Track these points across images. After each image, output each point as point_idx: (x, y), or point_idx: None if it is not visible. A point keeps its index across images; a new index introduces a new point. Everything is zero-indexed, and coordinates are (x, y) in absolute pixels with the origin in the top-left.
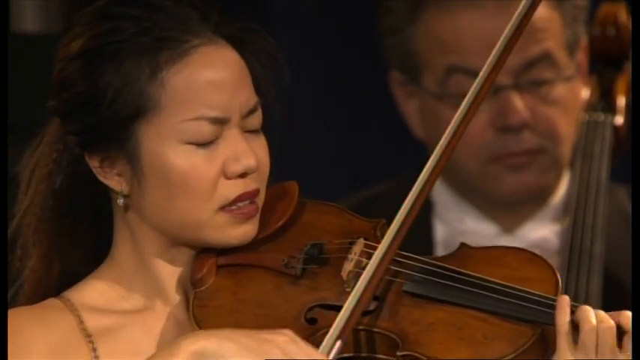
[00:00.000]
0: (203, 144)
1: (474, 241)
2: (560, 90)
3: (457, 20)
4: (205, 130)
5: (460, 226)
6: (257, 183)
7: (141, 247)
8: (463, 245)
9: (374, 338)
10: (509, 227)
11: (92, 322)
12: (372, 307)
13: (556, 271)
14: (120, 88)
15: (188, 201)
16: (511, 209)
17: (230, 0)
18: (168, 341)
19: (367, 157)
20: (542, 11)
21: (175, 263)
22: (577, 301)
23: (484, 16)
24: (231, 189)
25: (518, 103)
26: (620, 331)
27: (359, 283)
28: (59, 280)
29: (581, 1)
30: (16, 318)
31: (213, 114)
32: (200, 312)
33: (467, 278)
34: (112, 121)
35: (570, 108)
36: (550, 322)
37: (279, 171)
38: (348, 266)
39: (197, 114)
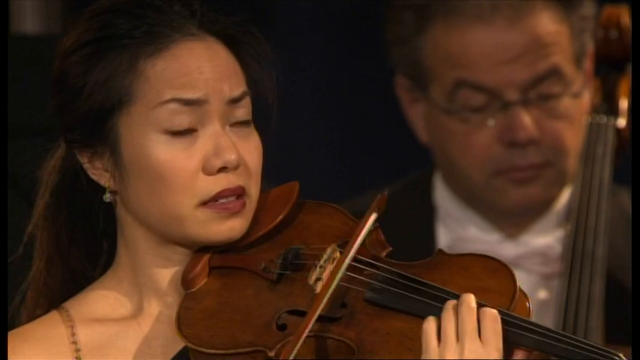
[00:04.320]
0: (180, 132)
1: (477, 248)
2: (566, 103)
3: (466, 35)
4: (179, 113)
5: (463, 232)
6: (242, 180)
7: (134, 246)
8: (440, 252)
9: (333, 346)
10: (512, 234)
11: (85, 335)
12: (338, 315)
13: (516, 284)
14: (98, 83)
15: (167, 195)
16: (515, 218)
17: (232, 0)
18: (161, 343)
19: (370, 160)
20: (550, 26)
21: (170, 263)
22: (580, 303)
23: (493, 32)
24: (212, 184)
25: (526, 119)
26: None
27: (317, 290)
28: (63, 283)
29: (588, 11)
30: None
31: (186, 96)
32: (185, 314)
33: (423, 288)
34: (92, 115)
35: (576, 121)
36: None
37: (281, 172)
38: (313, 273)
39: (169, 96)
